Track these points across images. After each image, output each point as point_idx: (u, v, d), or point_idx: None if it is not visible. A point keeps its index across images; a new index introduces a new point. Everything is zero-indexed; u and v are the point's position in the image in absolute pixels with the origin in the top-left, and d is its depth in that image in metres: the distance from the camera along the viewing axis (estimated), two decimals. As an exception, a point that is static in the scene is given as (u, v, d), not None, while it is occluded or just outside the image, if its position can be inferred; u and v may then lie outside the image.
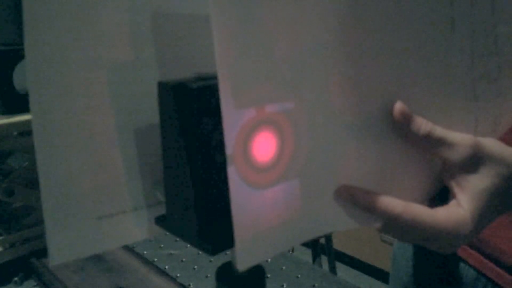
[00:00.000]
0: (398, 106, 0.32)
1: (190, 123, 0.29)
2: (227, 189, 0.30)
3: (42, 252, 0.74)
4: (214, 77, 0.29)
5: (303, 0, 0.28)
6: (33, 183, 0.73)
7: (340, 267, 2.14)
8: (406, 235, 0.34)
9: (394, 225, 0.33)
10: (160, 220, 0.34)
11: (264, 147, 0.29)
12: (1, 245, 0.72)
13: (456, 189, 0.34)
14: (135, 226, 0.35)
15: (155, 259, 0.75)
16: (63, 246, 0.33)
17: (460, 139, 0.34)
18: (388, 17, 0.31)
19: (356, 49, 0.31)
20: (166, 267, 0.73)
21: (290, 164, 0.30)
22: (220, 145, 0.29)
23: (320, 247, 1.47)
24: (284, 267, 0.72)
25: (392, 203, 0.33)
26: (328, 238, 1.47)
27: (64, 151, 0.32)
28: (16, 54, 0.69)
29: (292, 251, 1.85)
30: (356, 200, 0.33)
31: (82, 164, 0.32)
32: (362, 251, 2.10)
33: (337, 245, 1.89)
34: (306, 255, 1.82)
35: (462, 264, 0.55)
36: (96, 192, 0.33)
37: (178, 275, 0.71)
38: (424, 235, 0.33)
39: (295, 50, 0.29)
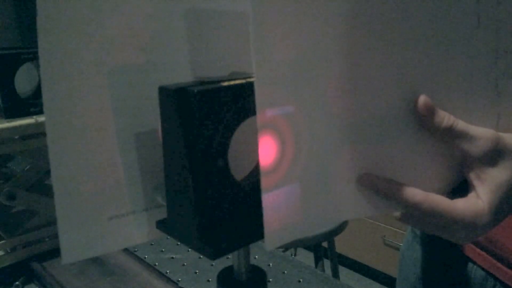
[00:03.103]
0: (422, 99, 0.33)
1: (190, 128, 0.29)
2: (228, 193, 0.30)
3: (44, 256, 0.74)
4: (215, 82, 0.29)
5: (305, 5, 0.29)
6: (34, 187, 0.73)
7: (343, 271, 2.13)
8: (424, 224, 0.35)
9: (413, 213, 0.34)
10: (161, 224, 0.34)
11: (265, 151, 0.28)
12: (2, 249, 0.72)
13: (475, 182, 0.35)
14: (145, 227, 0.36)
15: (156, 263, 0.75)
16: (75, 245, 0.33)
17: (482, 133, 0.35)
18: (411, 12, 0.32)
19: (361, 50, 0.31)
20: (168, 271, 0.73)
21: (291, 168, 0.30)
22: (221, 149, 0.29)
23: (323, 251, 1.46)
24: (286, 271, 0.72)
25: (413, 191, 0.34)
26: (331, 241, 1.46)
27: (77, 151, 0.32)
28: (17, 58, 0.69)
29: (295, 254, 1.84)
30: (378, 187, 0.34)
31: (94, 165, 0.33)
32: (365, 254, 2.09)
33: (340, 248, 1.89)
34: (308, 258, 1.82)
35: (470, 265, 0.55)
36: (107, 192, 0.34)
37: (180, 279, 0.70)
38: (442, 225, 0.34)
39: (295, 54, 0.29)
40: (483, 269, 0.54)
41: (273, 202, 0.29)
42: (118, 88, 0.33)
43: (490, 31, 0.34)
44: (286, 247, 1.49)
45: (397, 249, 1.87)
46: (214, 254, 0.30)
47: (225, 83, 0.29)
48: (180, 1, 0.35)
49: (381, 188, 0.34)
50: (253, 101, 0.29)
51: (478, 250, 0.54)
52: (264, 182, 0.28)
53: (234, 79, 0.30)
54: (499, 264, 0.52)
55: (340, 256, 2.08)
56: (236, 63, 0.37)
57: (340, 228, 1.34)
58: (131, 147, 0.34)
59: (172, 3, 0.34)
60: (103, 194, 0.34)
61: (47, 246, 0.75)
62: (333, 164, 0.33)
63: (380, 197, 0.34)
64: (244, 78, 0.30)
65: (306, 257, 2.05)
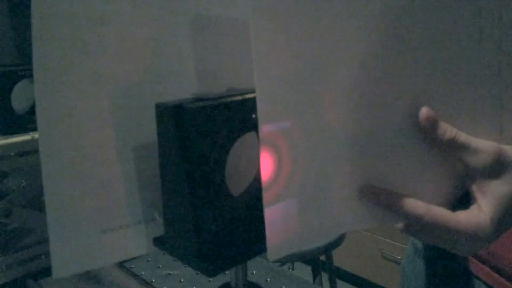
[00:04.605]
0: (425, 111, 0.33)
1: (187, 144, 0.29)
2: (226, 209, 0.30)
3: (39, 274, 0.73)
4: (212, 98, 0.29)
5: (306, 22, 0.29)
6: (30, 204, 0.72)
7: (341, 285, 2.11)
8: (426, 236, 0.36)
9: (416, 226, 0.35)
10: (158, 241, 0.34)
11: (261, 167, 0.28)
12: (-3, 266, 0.71)
13: (477, 194, 0.35)
14: (138, 240, 0.36)
15: (153, 280, 0.74)
16: (66, 259, 0.33)
17: (484, 145, 0.35)
18: (413, 26, 0.32)
19: (361, 64, 0.31)
20: (164, 287, 0.72)
21: (288, 183, 0.30)
22: (218, 166, 0.29)
23: (321, 265, 1.45)
24: (284, 287, 0.71)
25: (415, 203, 0.34)
26: (328, 255, 1.45)
27: (69, 164, 0.32)
28: (14, 75, 0.69)
29: (292, 268, 1.83)
30: (379, 199, 0.34)
31: (87, 179, 0.33)
32: (363, 268, 2.07)
33: (338, 262, 1.88)
34: (306, 272, 1.80)
35: (473, 279, 0.54)
36: (100, 206, 0.34)
37: (177, 295, 0.70)
38: (444, 237, 0.34)
39: (295, 69, 0.29)
40: (486, 283, 0.53)
41: (274, 215, 0.29)
42: (117, 101, 0.33)
43: (493, 44, 0.35)
44: (283, 262, 1.48)
45: (396, 262, 1.86)
46: (212, 271, 0.29)
47: (222, 100, 0.29)
48: (181, 15, 0.35)
49: (383, 200, 0.34)
50: (250, 118, 0.29)
51: (480, 264, 0.54)
52: (265, 197, 0.28)
53: (231, 96, 0.30)
54: (501, 279, 0.52)
55: (338, 269, 2.06)
56: (237, 77, 0.37)
57: (338, 241, 1.33)
58: (129, 160, 0.34)
59: (173, 17, 0.34)
60: (96, 207, 0.33)
61: (43, 263, 0.74)
62: (333, 177, 0.33)
63: (382, 209, 0.34)
64: (241, 95, 0.30)
65: (303, 271, 2.04)
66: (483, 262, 0.53)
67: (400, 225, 0.36)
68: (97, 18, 0.31)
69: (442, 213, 0.34)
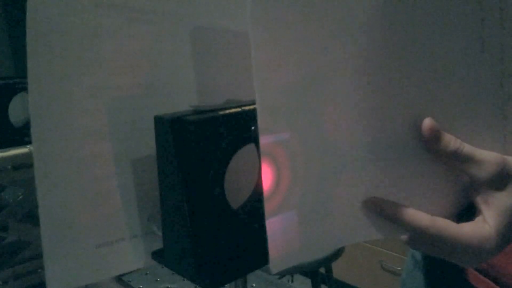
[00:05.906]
0: (428, 122, 0.33)
1: (186, 157, 0.28)
2: (225, 222, 0.30)
3: (36, 288, 0.72)
4: (210, 111, 0.29)
5: (305, 32, 0.29)
6: (27, 217, 0.72)
7: (341, 297, 2.10)
8: (431, 248, 0.35)
9: (420, 238, 0.34)
10: (157, 254, 0.34)
11: (262, 177, 0.28)
12: (-7, 281, 0.70)
13: (482, 206, 0.35)
14: (133, 254, 0.35)
15: (152, 293, 0.73)
16: (61, 274, 0.32)
17: (488, 156, 0.34)
18: (415, 37, 0.32)
19: (362, 76, 0.31)
20: (163, 301, 0.71)
21: (287, 195, 0.30)
22: (218, 178, 0.29)
23: (320, 277, 1.44)
24: (283, 299, 0.71)
25: (419, 215, 0.34)
26: (328, 267, 1.44)
27: (64, 179, 0.32)
28: (11, 88, 0.69)
29: (291, 281, 1.81)
30: (383, 211, 0.34)
31: (82, 193, 0.32)
32: (363, 280, 2.06)
33: (338, 274, 1.86)
34: (305, 285, 1.79)
35: None
36: (95, 220, 0.33)
37: (175, 309, 0.69)
38: (449, 249, 0.34)
39: (290, 81, 0.29)
40: None
41: (275, 227, 0.29)
42: (115, 114, 0.33)
43: (495, 55, 0.35)
44: (282, 274, 1.47)
45: (396, 273, 1.85)
46: (211, 284, 0.29)
47: (221, 112, 0.29)
48: (180, 28, 0.35)
49: (387, 212, 0.34)
50: (249, 130, 0.29)
51: (481, 277, 0.53)
52: (266, 208, 0.28)
53: (230, 108, 0.30)
54: None
55: (337, 281, 2.05)
56: (236, 90, 0.37)
57: (338, 253, 1.32)
58: (127, 173, 0.34)
59: (171, 29, 0.34)
60: (93, 221, 0.33)
61: (40, 277, 0.74)
62: (334, 189, 0.32)
63: (386, 221, 0.34)
64: (240, 107, 0.30)
65: (303, 284, 2.02)
66: (483, 274, 0.53)
67: (404, 237, 0.36)
68: (92, 31, 0.31)
69: (446, 225, 0.34)
